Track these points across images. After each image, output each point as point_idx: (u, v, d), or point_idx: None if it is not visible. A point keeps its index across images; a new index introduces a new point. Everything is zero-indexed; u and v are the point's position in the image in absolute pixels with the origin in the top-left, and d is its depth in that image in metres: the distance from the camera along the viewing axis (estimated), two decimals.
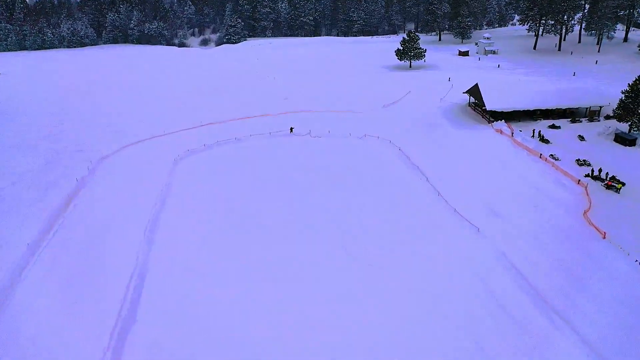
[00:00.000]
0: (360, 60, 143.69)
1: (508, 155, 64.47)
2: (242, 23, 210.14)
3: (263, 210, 53.79)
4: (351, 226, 49.82)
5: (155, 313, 37.90)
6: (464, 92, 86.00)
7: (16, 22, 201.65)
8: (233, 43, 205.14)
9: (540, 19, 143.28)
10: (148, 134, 78.77)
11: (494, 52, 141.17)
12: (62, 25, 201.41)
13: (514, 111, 75.73)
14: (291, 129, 77.48)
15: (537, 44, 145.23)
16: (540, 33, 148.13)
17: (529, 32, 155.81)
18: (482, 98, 76.73)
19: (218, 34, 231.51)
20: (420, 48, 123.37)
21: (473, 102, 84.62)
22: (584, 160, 60.39)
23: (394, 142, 70.68)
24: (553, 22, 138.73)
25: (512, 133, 70.18)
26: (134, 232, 49.17)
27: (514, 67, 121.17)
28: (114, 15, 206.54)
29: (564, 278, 40.30)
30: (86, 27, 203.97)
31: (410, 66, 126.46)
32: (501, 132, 71.77)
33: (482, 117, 78.98)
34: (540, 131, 70.17)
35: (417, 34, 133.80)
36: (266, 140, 74.78)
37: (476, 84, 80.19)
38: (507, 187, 56.24)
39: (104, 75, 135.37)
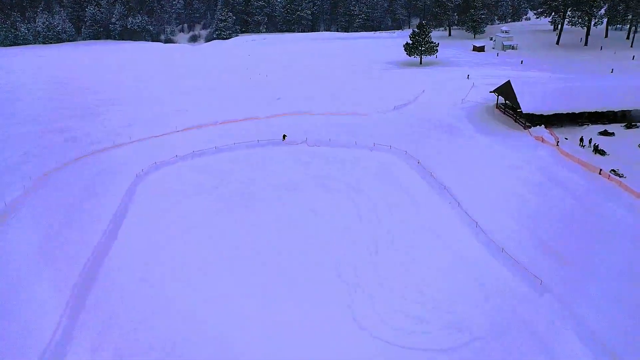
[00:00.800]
0: (363, 57, 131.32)
1: (558, 171, 51.82)
2: (234, 17, 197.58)
3: (243, 247, 41.36)
4: (361, 276, 37.49)
5: None
6: (491, 92, 73.56)
7: None
8: (223, 39, 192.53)
9: (565, 11, 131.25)
10: (109, 141, 66.10)
11: (512, 48, 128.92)
12: (37, 20, 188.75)
13: (555, 114, 63.40)
14: (284, 136, 65.12)
15: (561, 38, 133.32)
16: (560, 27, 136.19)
17: (552, 24, 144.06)
18: (516, 98, 64.32)
19: (208, 30, 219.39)
20: (432, 42, 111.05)
21: (502, 103, 72.30)
22: None
23: (411, 153, 58.20)
24: (580, 13, 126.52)
25: (558, 142, 57.79)
26: (54, 295, 36.51)
27: (538, 64, 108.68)
28: (94, 9, 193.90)
29: None
30: (64, 22, 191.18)
31: (421, 62, 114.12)
32: (542, 140, 59.35)
33: (515, 122, 66.60)
34: (591, 140, 57.86)
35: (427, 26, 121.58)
36: (252, 151, 62.17)
37: (508, 82, 67.76)
38: (565, 216, 43.55)
39: (65, 73, 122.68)
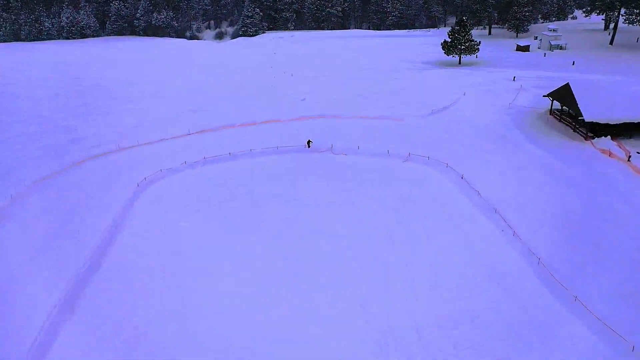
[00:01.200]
0: (396, 56, 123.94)
1: (632, 193, 43.80)
2: (261, 14, 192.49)
3: (248, 283, 34.92)
4: (395, 326, 30.46)
5: None
6: (545, 96, 65.28)
7: (12, 11, 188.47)
8: (250, 36, 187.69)
9: (620, 8, 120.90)
10: (114, 145, 60.83)
11: (560, 48, 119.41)
12: (62, 15, 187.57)
13: (624, 124, 54.98)
14: (308, 142, 58.56)
15: (615, 38, 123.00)
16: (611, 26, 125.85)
17: (605, 22, 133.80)
18: (576, 104, 56.13)
19: (235, 27, 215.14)
20: (473, 40, 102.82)
21: (557, 109, 64.08)
22: None
23: (453, 165, 50.77)
24: (638, 11, 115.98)
25: (629, 157, 49.50)
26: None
27: (591, 65, 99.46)
28: (119, 4, 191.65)
29: None
30: (88, 17, 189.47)
31: (460, 62, 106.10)
32: (610, 154, 51.12)
33: (574, 131, 58.36)
34: None
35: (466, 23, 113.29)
36: (270, 158, 55.84)
37: (566, 85, 59.49)
38: None
39: (81, 69, 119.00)
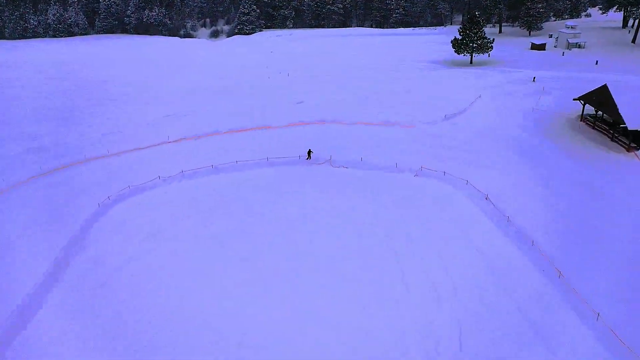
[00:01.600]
0: (401, 55, 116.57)
1: None
2: (258, 11, 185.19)
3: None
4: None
5: None
6: (575, 99, 57.94)
7: None
8: (246, 34, 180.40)
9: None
10: (80, 155, 53.58)
11: (579, 46, 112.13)
12: (49, 11, 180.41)
13: None
14: (309, 152, 51.09)
15: (637, 36, 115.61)
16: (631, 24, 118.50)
17: (624, 20, 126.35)
18: (617, 109, 48.79)
19: (232, 25, 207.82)
20: (486, 37, 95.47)
21: (590, 115, 56.72)
22: None
23: (474, 182, 43.45)
24: None
25: None
26: None
27: (615, 65, 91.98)
28: (109, 1, 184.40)
29: None
30: (77, 14, 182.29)
31: (472, 62, 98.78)
32: None
33: (612, 140, 51.02)
34: None
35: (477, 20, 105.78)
36: (258, 172, 48.45)
37: (603, 87, 52.07)
38: None
39: (63, 69, 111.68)
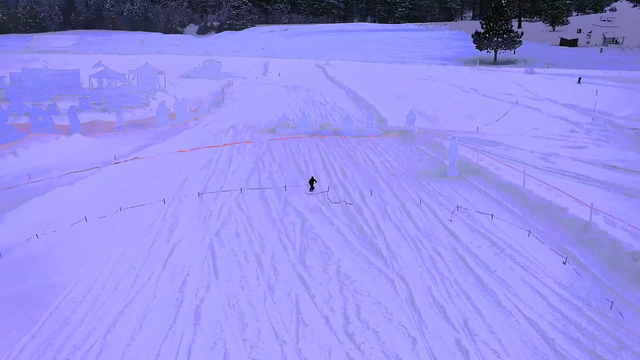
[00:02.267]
0: (410, 52, 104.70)
1: None
2: (249, 4, 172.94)
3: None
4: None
5: None
6: None
7: None
8: (236, 30, 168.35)
9: None
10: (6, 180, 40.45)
11: (615, 42, 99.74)
12: (18, 4, 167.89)
13: None
14: (311, 181, 37.45)
15: None
16: None
17: None
18: None
19: (223, 21, 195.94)
20: (513, 30, 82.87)
21: None
22: None
23: (538, 233, 29.98)
24: None
25: None
26: None
27: None
28: None
29: None
30: (50, 7, 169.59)
31: (495, 60, 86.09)
32: None
33: None
34: None
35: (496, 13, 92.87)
36: (227, 209, 35.30)
37: None
38: None
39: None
